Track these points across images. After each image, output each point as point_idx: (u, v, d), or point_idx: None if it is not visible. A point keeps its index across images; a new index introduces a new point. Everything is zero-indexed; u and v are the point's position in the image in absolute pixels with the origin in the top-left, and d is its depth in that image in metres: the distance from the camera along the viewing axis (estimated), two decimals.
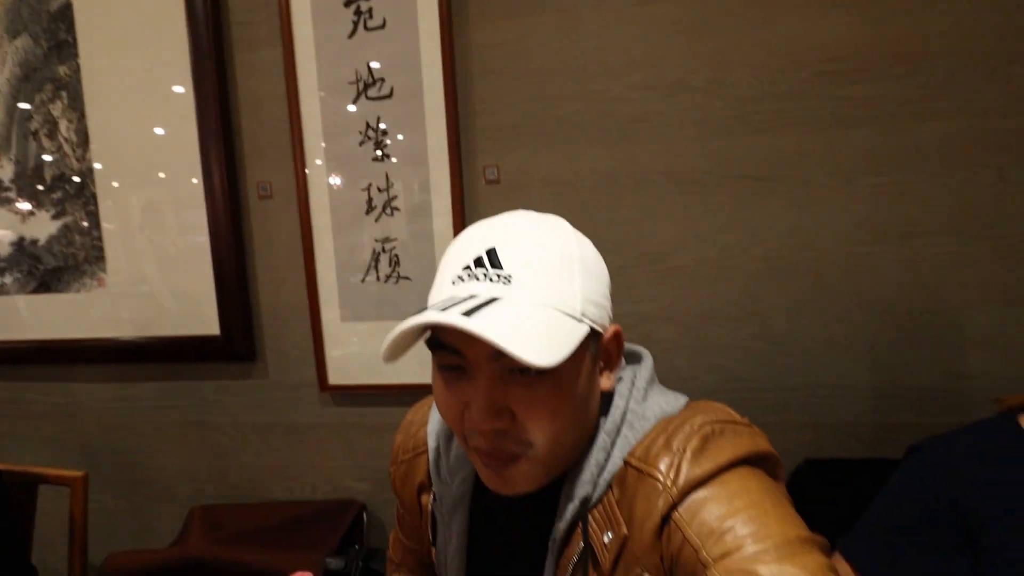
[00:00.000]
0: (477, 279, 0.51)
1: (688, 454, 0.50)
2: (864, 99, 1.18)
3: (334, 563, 1.15)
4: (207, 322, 1.45)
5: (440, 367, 0.55)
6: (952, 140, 1.16)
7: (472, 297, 0.50)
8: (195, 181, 1.41)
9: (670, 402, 0.59)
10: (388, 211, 1.33)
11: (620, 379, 0.60)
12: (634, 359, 0.64)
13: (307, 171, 1.35)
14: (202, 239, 1.42)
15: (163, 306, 1.49)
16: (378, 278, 1.35)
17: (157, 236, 1.48)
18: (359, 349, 1.39)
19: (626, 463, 0.54)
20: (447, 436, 0.67)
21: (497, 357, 0.49)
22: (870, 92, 1.17)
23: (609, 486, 0.55)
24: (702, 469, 0.49)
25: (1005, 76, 1.13)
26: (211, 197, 1.40)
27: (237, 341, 1.44)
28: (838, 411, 1.24)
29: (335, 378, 1.41)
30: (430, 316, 0.48)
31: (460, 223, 1.29)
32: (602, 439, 0.56)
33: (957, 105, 1.15)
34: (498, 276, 0.50)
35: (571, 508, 0.55)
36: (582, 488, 0.54)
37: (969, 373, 1.19)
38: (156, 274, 1.49)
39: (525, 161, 1.30)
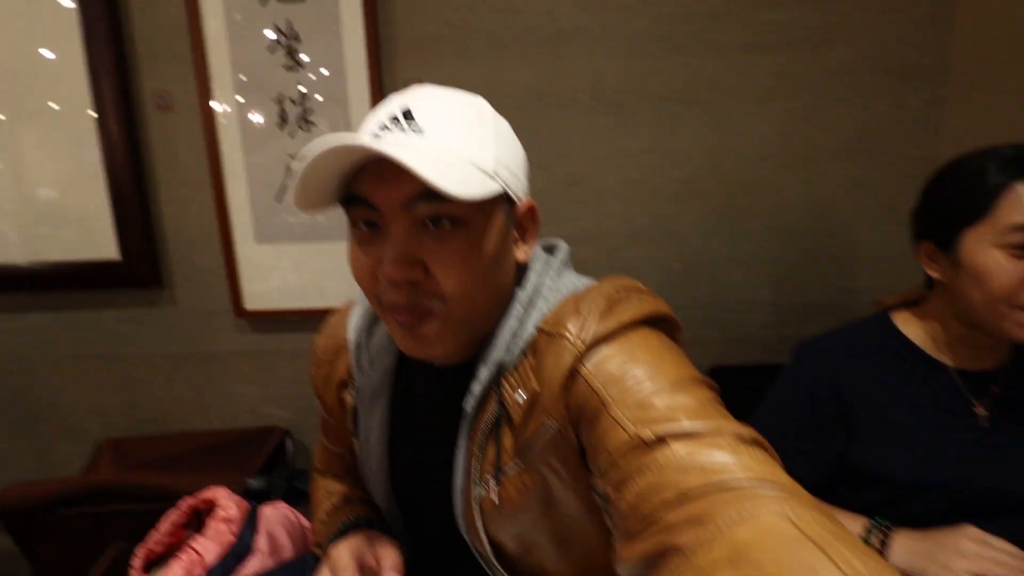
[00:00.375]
0: (390, 131, 0.51)
1: (595, 315, 0.53)
2: (779, 24, 1.21)
3: (255, 483, 1.13)
4: (105, 246, 1.34)
5: (353, 227, 0.54)
6: (855, 67, 1.22)
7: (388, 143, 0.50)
8: (91, 113, 1.27)
9: (582, 280, 0.61)
10: (303, 125, 1.25)
11: (536, 258, 0.61)
12: (550, 251, 0.65)
13: (210, 79, 1.24)
14: (93, 153, 1.29)
15: (54, 229, 1.35)
16: None
17: (43, 154, 1.33)
18: (276, 272, 1.33)
19: (539, 330, 0.56)
20: (368, 328, 0.67)
21: (409, 204, 0.50)
22: (785, 17, 1.20)
23: (524, 353, 0.56)
24: (606, 327, 0.52)
25: (908, 3, 1.18)
26: (101, 106, 1.27)
27: (139, 266, 1.34)
28: (743, 325, 1.33)
29: (251, 303, 1.35)
30: (336, 139, 0.46)
31: None
32: (516, 309, 0.57)
33: (861, 33, 1.20)
34: (411, 129, 0.51)
35: (486, 372, 0.56)
36: (496, 353, 0.56)
37: (859, 288, 1.31)
38: (43, 193, 1.35)
39: (449, 76, 1.25)
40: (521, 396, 0.55)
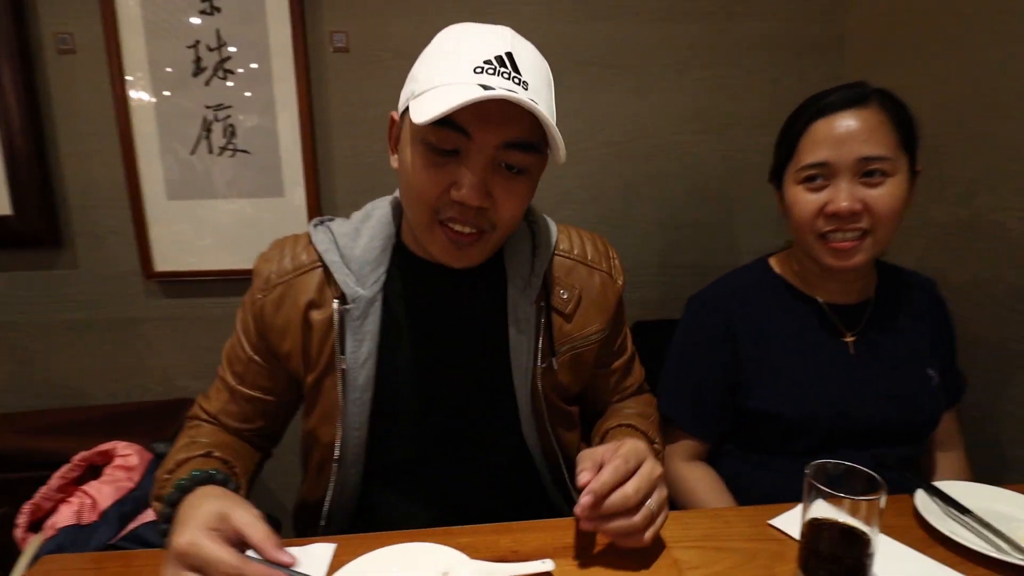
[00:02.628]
0: (502, 76, 0.57)
1: (617, 258, 0.82)
2: None
3: (163, 447, 1.06)
4: None
5: (430, 147, 0.59)
6: (764, 41, 1.30)
7: (509, 91, 0.55)
8: None
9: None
10: (220, 74, 1.20)
11: None
12: None
13: (117, 19, 1.16)
14: None
15: None
16: (211, 150, 1.23)
17: None
18: (190, 231, 1.26)
19: (566, 255, 0.76)
20: (348, 247, 0.69)
21: (504, 148, 0.58)
22: None
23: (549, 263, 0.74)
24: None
25: None
26: None
27: (34, 223, 1.24)
28: (665, 287, 1.38)
29: (162, 264, 1.27)
30: (504, 94, 0.54)
31: (306, 92, 1.21)
32: (542, 228, 0.75)
33: (771, 8, 1.29)
34: (519, 80, 0.57)
35: (535, 279, 0.72)
36: (539, 264, 0.73)
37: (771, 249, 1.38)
38: None
39: (376, 28, 1.24)
40: (564, 294, 0.74)
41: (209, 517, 0.51)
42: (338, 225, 0.72)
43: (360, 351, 0.67)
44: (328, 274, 0.68)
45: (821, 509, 0.53)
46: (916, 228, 1.14)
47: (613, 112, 1.31)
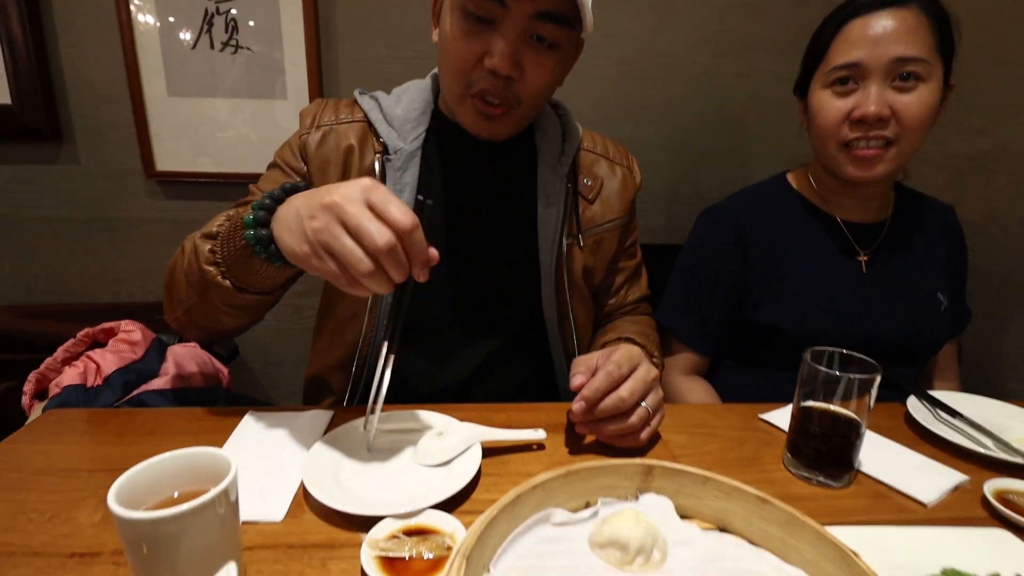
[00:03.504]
0: None
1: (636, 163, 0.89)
2: None
3: (167, 339, 1.08)
4: None
5: (468, 14, 0.62)
6: None
7: None
8: None
9: None
10: None
11: None
12: None
13: None
14: None
15: None
16: (212, 45, 1.18)
17: None
18: (192, 130, 1.24)
19: (589, 151, 0.82)
20: (390, 108, 0.74)
21: (535, 17, 0.61)
22: None
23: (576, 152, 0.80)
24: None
25: None
26: None
27: (34, 115, 1.21)
28: (671, 216, 1.37)
29: (163, 163, 1.25)
30: None
31: None
32: (568, 118, 0.81)
33: None
34: None
35: (564, 160, 0.77)
36: (570, 145, 0.78)
37: None
38: None
39: None
40: (588, 182, 0.79)
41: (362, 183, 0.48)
42: (380, 94, 0.77)
43: (400, 198, 0.67)
44: (370, 131, 0.73)
45: (815, 403, 0.54)
46: (935, 159, 1.12)
47: (627, 28, 1.25)
